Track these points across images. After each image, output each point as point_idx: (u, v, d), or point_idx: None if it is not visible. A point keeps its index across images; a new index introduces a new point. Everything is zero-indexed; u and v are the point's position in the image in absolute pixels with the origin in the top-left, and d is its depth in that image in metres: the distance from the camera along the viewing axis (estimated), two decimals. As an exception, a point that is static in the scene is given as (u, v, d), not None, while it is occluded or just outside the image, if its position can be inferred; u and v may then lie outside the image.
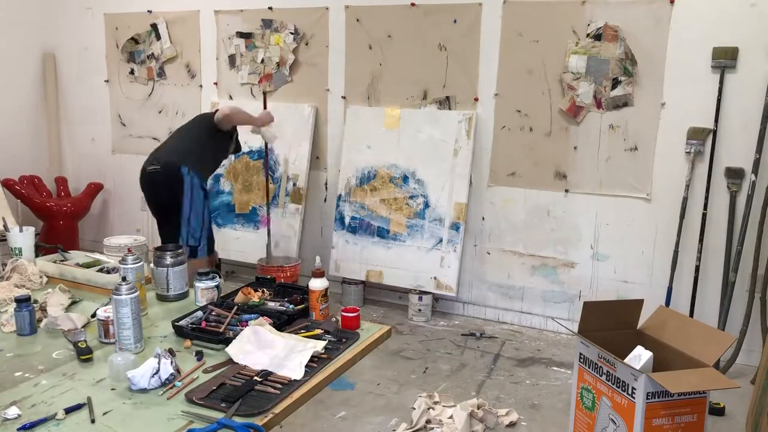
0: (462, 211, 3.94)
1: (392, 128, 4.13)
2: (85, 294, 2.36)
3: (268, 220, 4.36)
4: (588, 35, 3.61)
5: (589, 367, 2.34)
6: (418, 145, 4.05)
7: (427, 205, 4.03)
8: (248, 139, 4.53)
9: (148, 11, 4.85)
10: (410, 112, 4.10)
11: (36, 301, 2.15)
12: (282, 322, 2.03)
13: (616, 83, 3.58)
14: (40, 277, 2.48)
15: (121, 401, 1.58)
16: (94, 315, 2.07)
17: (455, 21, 3.91)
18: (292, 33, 4.38)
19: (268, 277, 2.50)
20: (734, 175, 3.37)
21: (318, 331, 1.99)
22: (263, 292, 2.30)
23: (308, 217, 4.51)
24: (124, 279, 1.96)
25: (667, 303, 3.51)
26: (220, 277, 2.31)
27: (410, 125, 4.08)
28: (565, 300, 3.89)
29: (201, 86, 4.77)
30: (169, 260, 2.31)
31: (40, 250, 2.92)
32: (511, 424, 2.79)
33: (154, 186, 3.54)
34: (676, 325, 2.38)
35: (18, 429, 1.45)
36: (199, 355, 1.83)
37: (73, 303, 2.26)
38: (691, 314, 3.47)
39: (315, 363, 1.79)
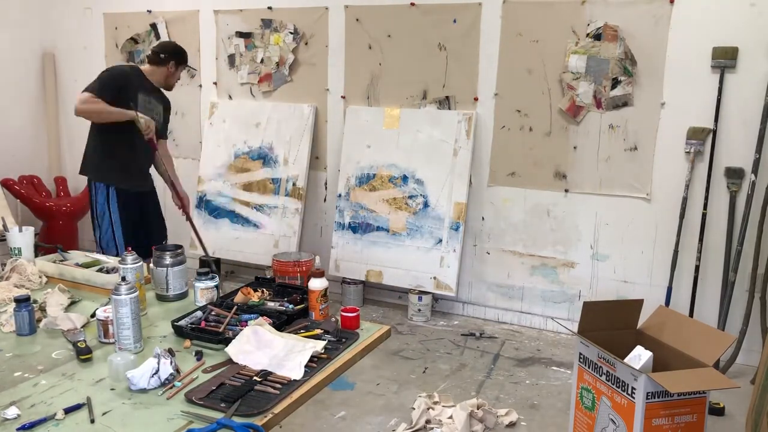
0: (462, 211, 3.94)
1: (392, 128, 4.13)
2: (84, 294, 2.36)
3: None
4: (588, 35, 3.61)
5: (588, 367, 2.33)
6: (417, 145, 4.05)
7: (426, 204, 4.03)
8: (248, 138, 4.54)
9: (148, 11, 4.85)
10: (410, 112, 4.09)
11: (35, 301, 2.15)
12: (281, 322, 2.03)
13: (615, 83, 3.58)
14: (40, 277, 2.47)
15: (121, 401, 1.58)
16: (93, 315, 2.07)
17: (455, 21, 3.91)
18: (291, 33, 4.38)
19: (268, 276, 2.50)
20: (734, 174, 3.37)
21: (317, 331, 1.99)
22: (263, 292, 2.30)
23: (308, 217, 4.50)
24: (123, 279, 1.96)
25: (667, 303, 3.51)
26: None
27: (410, 125, 4.08)
28: (565, 300, 3.89)
29: (200, 86, 4.76)
30: (168, 260, 2.31)
31: (39, 250, 2.92)
32: (511, 424, 2.79)
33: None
34: (676, 325, 2.38)
35: (17, 429, 1.45)
36: (199, 355, 1.83)
37: (73, 303, 2.25)
38: (691, 314, 3.47)
39: (315, 363, 1.78)
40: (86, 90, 3.18)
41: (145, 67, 3.49)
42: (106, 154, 3.31)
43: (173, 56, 3.49)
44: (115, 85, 3.23)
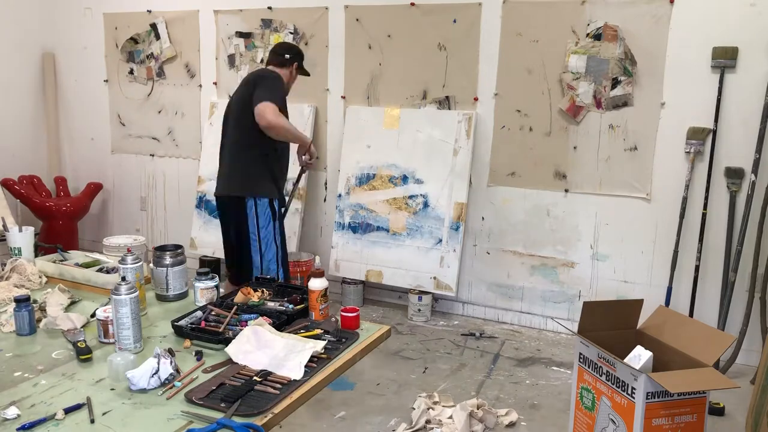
0: (462, 211, 3.94)
1: (392, 128, 4.13)
2: (84, 294, 2.36)
3: None
4: (588, 35, 3.61)
5: (588, 367, 2.33)
6: (417, 145, 4.05)
7: (426, 204, 4.03)
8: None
9: (148, 11, 4.85)
10: (410, 112, 4.09)
11: (35, 301, 2.15)
12: (281, 322, 2.03)
13: (615, 83, 3.58)
14: (40, 277, 2.47)
15: (121, 401, 1.58)
16: (93, 315, 2.07)
17: (455, 21, 3.91)
18: (291, 33, 4.38)
19: (268, 276, 2.50)
20: (734, 174, 3.37)
21: (317, 331, 1.99)
22: (263, 292, 2.30)
23: (308, 217, 4.50)
24: (123, 279, 1.96)
25: (667, 303, 3.51)
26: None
27: (410, 125, 4.08)
28: (565, 300, 3.89)
29: (200, 86, 4.76)
30: (168, 260, 2.31)
31: (39, 250, 2.92)
32: (511, 424, 2.79)
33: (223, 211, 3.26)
34: (676, 325, 2.38)
35: (17, 429, 1.45)
36: (199, 355, 1.83)
37: (73, 303, 2.25)
38: (691, 314, 3.47)
39: (314, 363, 1.78)
40: (268, 100, 2.99)
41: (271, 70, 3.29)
42: (268, 169, 3.13)
43: (297, 56, 3.33)
44: (283, 94, 3.18)
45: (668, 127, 3.51)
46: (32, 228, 2.71)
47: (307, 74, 3.54)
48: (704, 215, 3.43)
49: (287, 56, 3.29)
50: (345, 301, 4.26)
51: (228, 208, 3.18)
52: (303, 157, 3.43)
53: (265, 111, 2.96)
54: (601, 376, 2.26)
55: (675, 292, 3.52)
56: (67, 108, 5.38)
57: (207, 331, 1.97)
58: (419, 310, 4.05)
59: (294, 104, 4.40)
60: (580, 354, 2.38)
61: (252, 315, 2.07)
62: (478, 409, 2.76)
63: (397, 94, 4.14)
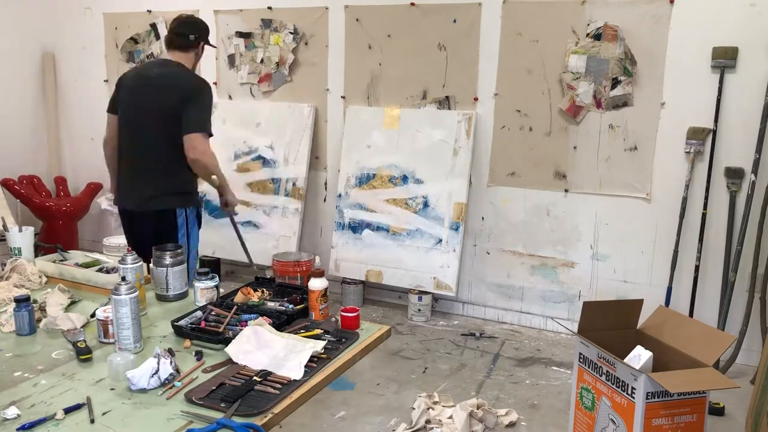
0: (461, 211, 3.94)
1: (392, 128, 4.13)
2: (84, 294, 2.36)
3: None
4: (588, 35, 3.61)
5: (588, 367, 2.33)
6: (417, 145, 4.05)
7: (426, 204, 4.03)
8: (247, 138, 4.54)
9: (148, 11, 4.85)
10: (410, 112, 4.09)
11: (35, 301, 2.15)
12: (281, 322, 2.03)
13: (615, 83, 3.58)
14: (40, 276, 2.47)
15: (121, 401, 1.58)
16: (93, 315, 2.06)
17: (455, 21, 3.91)
18: (291, 33, 4.38)
19: (268, 276, 2.50)
20: (734, 174, 3.37)
21: (317, 331, 1.98)
22: (263, 292, 2.30)
23: (308, 217, 4.50)
24: (123, 279, 1.96)
25: (667, 303, 3.51)
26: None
27: (410, 125, 4.08)
28: (565, 300, 3.89)
29: (200, 86, 4.76)
30: (168, 260, 2.30)
31: (39, 250, 2.92)
32: (511, 424, 2.79)
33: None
34: (676, 325, 2.38)
35: (17, 429, 1.44)
36: (199, 355, 1.83)
37: (73, 303, 2.25)
38: (691, 314, 3.47)
39: (314, 363, 1.78)
40: (203, 131, 2.69)
41: (176, 56, 2.87)
42: (194, 180, 2.83)
43: (205, 33, 2.91)
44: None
45: (668, 127, 3.51)
46: (32, 228, 2.70)
47: (213, 46, 3.12)
48: (704, 215, 3.44)
49: (192, 37, 2.85)
50: (345, 301, 4.26)
51: (144, 222, 2.78)
52: (221, 199, 3.04)
53: (199, 145, 2.66)
54: (601, 376, 2.26)
55: (675, 292, 3.52)
56: (67, 108, 5.38)
57: (207, 331, 1.97)
58: (419, 310, 4.05)
59: (294, 104, 4.42)
60: (580, 354, 2.38)
61: (252, 315, 2.07)
62: (478, 409, 2.76)
63: (397, 94, 4.14)
